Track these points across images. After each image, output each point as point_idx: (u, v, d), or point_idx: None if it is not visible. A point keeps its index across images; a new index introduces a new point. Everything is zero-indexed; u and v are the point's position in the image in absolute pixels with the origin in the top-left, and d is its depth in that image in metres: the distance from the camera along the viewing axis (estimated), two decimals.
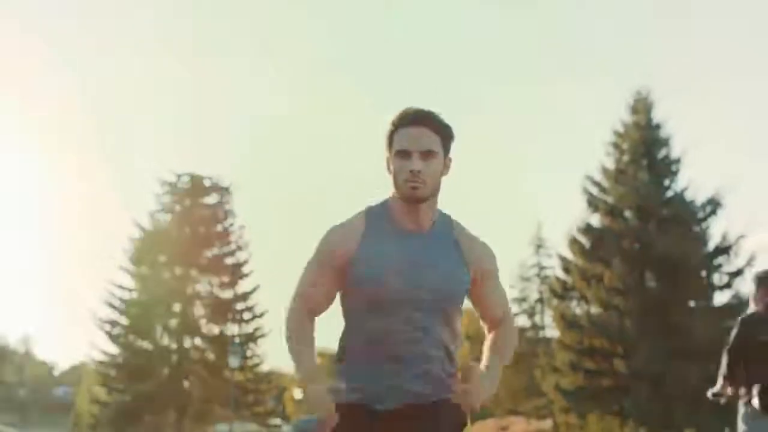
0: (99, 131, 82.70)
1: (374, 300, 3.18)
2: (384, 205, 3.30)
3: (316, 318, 3.34)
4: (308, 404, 3.12)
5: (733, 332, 6.61)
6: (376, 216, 3.28)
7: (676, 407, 29.07)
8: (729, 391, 6.84)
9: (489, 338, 3.45)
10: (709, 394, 7.02)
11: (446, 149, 3.25)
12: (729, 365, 6.68)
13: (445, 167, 3.27)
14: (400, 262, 3.18)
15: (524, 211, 76.52)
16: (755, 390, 6.47)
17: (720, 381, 6.89)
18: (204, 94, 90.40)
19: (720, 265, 31.48)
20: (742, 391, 6.64)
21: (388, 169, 3.28)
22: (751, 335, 6.52)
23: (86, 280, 56.51)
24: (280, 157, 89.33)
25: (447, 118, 3.26)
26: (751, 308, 6.67)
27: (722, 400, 6.97)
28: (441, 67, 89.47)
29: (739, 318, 6.68)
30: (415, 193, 3.17)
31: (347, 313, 3.30)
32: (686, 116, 65.59)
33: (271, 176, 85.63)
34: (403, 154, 3.19)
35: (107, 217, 59.37)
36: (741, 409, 6.64)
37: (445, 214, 3.33)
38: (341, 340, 3.33)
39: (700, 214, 31.64)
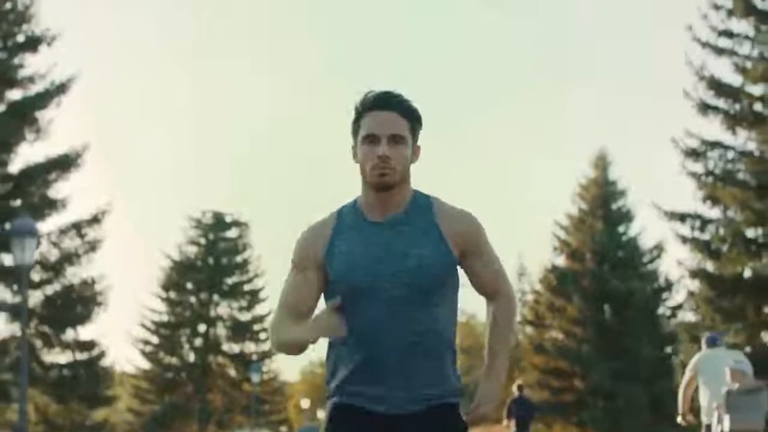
0: (124, 172, 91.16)
1: (350, 296, 3.17)
2: (355, 201, 3.29)
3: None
4: (317, 330, 3.10)
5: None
6: (346, 212, 3.28)
7: (625, 418, 37.45)
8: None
9: (488, 314, 3.40)
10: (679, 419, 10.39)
11: (415, 135, 3.24)
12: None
13: (414, 155, 3.26)
14: (371, 255, 3.18)
15: (509, 231, 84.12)
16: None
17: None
18: (214, 135, 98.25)
19: (665, 299, 39.91)
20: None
21: (355, 157, 3.27)
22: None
23: (123, 305, 65.06)
24: (294, 193, 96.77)
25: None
26: None
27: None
28: (441, 68, 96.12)
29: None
30: (383, 180, 3.16)
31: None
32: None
33: (285, 211, 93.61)
34: (370, 139, 3.17)
35: (141, 249, 68.24)
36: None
37: (422, 194, 3.31)
38: (329, 347, 3.33)
39: (648, 257, 40.09)
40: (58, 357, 25.76)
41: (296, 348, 3.22)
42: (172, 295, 47.42)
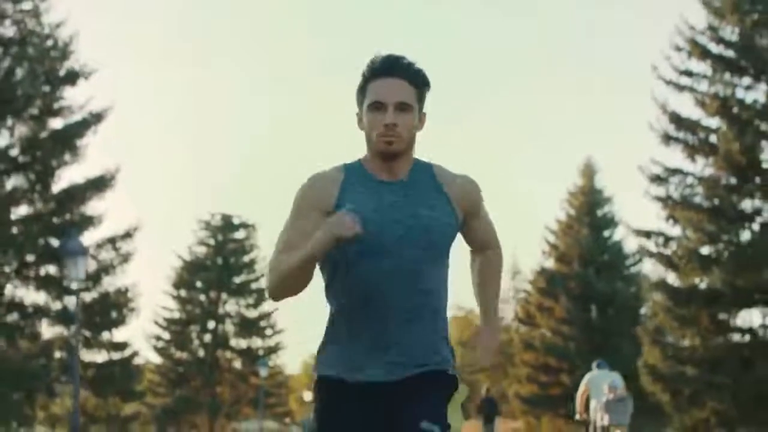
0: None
1: (359, 249, 3.19)
2: (359, 161, 3.34)
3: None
4: (330, 231, 3.06)
5: None
6: (352, 169, 3.31)
7: None
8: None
9: (476, 264, 3.57)
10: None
11: (421, 102, 3.29)
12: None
13: (420, 122, 3.29)
14: (382, 211, 3.21)
15: (509, 224, 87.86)
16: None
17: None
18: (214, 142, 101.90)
19: (647, 300, 43.87)
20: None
21: (360, 124, 3.30)
22: None
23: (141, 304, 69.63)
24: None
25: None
26: None
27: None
28: (441, 68, 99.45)
29: None
30: (390, 147, 3.21)
31: (330, 267, 3.30)
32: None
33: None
34: (377, 106, 3.21)
35: (153, 250, 72.61)
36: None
37: (422, 161, 3.37)
38: (330, 309, 3.34)
39: (630, 261, 44.05)
40: (96, 356, 29.89)
41: (300, 275, 3.20)
42: (183, 293, 50.53)
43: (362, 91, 3.29)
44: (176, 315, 50.45)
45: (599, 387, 15.86)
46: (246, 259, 51.76)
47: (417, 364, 3.26)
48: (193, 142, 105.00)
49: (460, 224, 3.37)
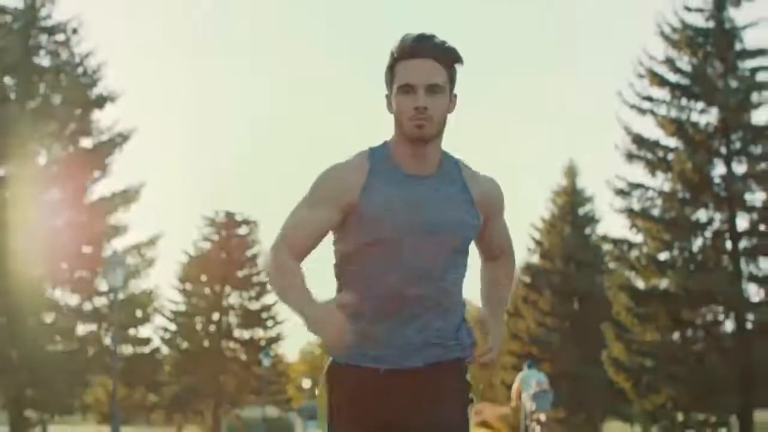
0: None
1: (380, 241, 3.20)
2: (386, 146, 3.30)
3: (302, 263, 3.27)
4: (312, 328, 2.98)
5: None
6: (379, 158, 3.27)
7: (589, 397, 45.90)
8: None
9: (487, 271, 3.62)
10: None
11: (453, 83, 3.26)
12: None
13: (452, 103, 3.26)
14: (407, 204, 3.20)
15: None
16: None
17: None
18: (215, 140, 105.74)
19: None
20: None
21: (389, 107, 3.27)
22: None
23: None
24: (297, 190, 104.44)
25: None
26: None
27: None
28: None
29: None
30: (421, 132, 3.17)
31: (346, 258, 3.31)
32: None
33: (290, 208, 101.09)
34: (407, 89, 3.18)
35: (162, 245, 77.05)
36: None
37: (449, 155, 3.35)
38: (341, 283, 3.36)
39: (615, 252, 48.35)
40: (123, 350, 34.39)
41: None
42: (188, 286, 53.30)
43: (391, 71, 3.26)
44: (182, 308, 53.07)
45: (528, 383, 20.74)
46: (248, 254, 54.33)
47: (433, 359, 3.29)
48: (196, 143, 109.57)
49: (480, 226, 3.38)
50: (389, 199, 3.23)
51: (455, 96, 3.29)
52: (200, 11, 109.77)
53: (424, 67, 3.19)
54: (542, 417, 20.35)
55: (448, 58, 3.24)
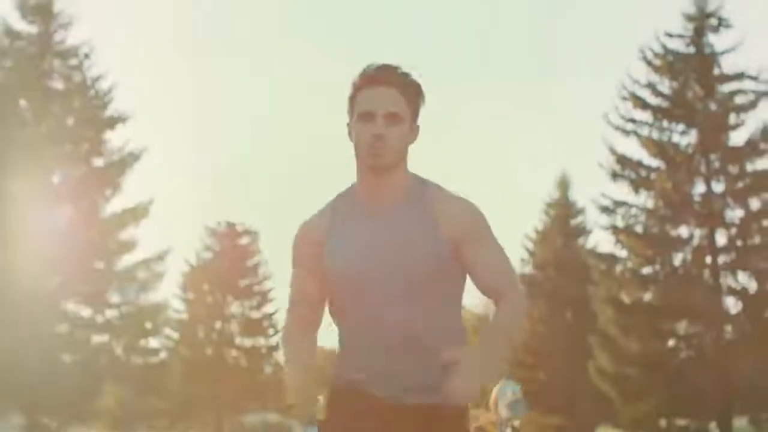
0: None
1: (346, 289, 3.24)
2: (351, 188, 3.33)
3: (319, 326, 3.40)
4: (299, 414, 3.34)
5: None
6: (342, 202, 3.32)
7: (579, 402, 47.80)
8: None
9: (493, 316, 3.47)
10: None
11: (414, 112, 3.24)
12: None
13: (412, 133, 3.25)
14: (364, 250, 3.23)
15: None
16: None
17: None
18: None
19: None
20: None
21: (350, 135, 3.25)
22: None
23: None
24: (297, 200, 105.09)
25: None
26: None
27: None
28: (439, 65, 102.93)
29: None
30: (377, 161, 3.18)
31: (331, 308, 3.38)
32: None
33: (290, 218, 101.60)
34: (366, 117, 3.17)
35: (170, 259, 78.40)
36: None
37: (419, 179, 3.31)
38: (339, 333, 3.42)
39: (602, 267, 50.39)
40: (134, 360, 36.36)
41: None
42: (191, 295, 54.43)
43: (352, 100, 3.25)
44: (184, 316, 54.20)
45: (504, 392, 23.02)
46: (249, 263, 55.62)
47: (411, 394, 3.27)
48: (201, 158, 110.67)
49: (451, 254, 3.29)
50: (345, 247, 3.30)
51: (417, 127, 3.30)
52: (208, 32, 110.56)
53: (386, 95, 3.21)
54: (516, 423, 22.43)
55: (409, 89, 3.26)
